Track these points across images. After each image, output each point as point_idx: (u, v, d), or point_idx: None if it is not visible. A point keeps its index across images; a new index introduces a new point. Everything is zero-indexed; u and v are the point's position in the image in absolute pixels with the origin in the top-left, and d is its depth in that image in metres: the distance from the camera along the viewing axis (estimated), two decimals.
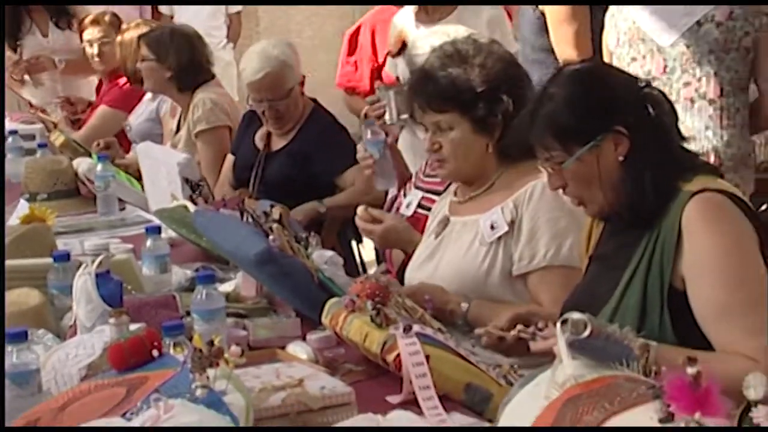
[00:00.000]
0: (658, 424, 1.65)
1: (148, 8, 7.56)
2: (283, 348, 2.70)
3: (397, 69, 4.58)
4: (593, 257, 2.62)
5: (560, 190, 2.58)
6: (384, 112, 3.96)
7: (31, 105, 6.57)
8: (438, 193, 3.38)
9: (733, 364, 2.18)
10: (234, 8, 8.50)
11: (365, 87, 5.17)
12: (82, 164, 4.69)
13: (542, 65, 4.19)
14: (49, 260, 3.00)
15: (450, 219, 3.10)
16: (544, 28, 4.23)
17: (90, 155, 5.07)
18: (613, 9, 3.77)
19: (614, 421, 1.73)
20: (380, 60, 5.12)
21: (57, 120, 6.20)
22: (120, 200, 4.56)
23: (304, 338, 2.72)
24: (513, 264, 2.92)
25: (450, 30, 3.66)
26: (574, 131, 2.46)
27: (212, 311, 2.64)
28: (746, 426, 1.63)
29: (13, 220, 3.92)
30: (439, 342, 2.43)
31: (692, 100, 3.55)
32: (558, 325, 2.03)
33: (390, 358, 2.41)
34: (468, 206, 3.07)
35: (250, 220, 3.27)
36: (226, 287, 3.13)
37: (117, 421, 1.96)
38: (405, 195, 3.61)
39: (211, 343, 2.00)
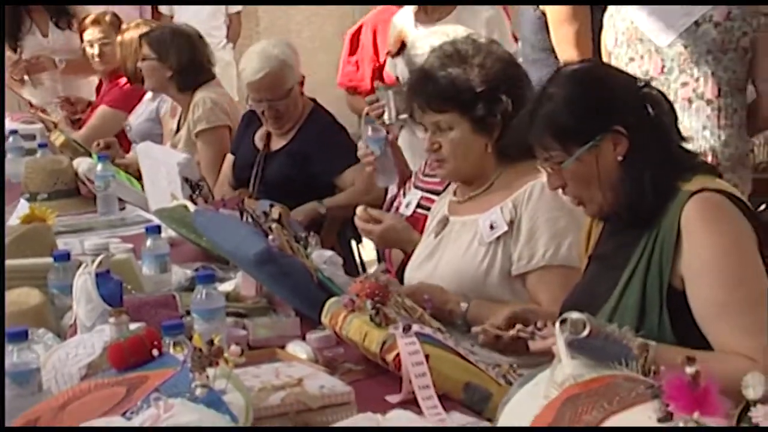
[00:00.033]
0: (657, 424, 1.65)
1: (148, 8, 7.56)
2: (282, 347, 2.70)
3: (396, 69, 4.58)
4: (592, 257, 2.63)
5: (559, 190, 2.58)
6: (383, 112, 3.97)
7: (31, 105, 6.57)
8: (437, 193, 3.38)
9: (731, 364, 2.18)
10: (234, 8, 8.51)
11: (366, 86, 5.17)
12: (82, 164, 4.69)
13: (542, 65, 4.19)
14: (50, 260, 3.00)
15: (449, 219, 3.10)
16: (545, 28, 4.23)
17: (90, 155, 5.08)
18: (611, 9, 3.77)
19: (613, 421, 1.73)
20: (381, 60, 5.12)
21: (57, 120, 6.20)
22: (120, 200, 4.57)
23: (303, 338, 2.72)
24: (512, 264, 2.93)
25: (449, 30, 3.67)
26: (573, 131, 2.46)
27: (212, 311, 2.64)
28: (745, 425, 1.63)
29: (13, 220, 3.93)
30: (439, 341, 2.43)
31: (690, 101, 3.56)
32: (557, 324, 2.03)
33: (389, 357, 2.41)
34: (467, 206, 3.08)
35: (250, 219, 3.28)
36: (226, 287, 3.14)
37: (117, 421, 1.97)
38: (404, 195, 3.61)
39: (210, 342, 2.00)
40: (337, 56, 5.56)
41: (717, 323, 2.30)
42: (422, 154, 3.60)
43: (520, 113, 2.66)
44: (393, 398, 2.34)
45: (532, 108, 2.53)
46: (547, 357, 2.17)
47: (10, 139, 5.56)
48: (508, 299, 2.89)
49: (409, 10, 4.77)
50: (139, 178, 4.87)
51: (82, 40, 6.17)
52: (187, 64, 5.07)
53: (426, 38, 3.73)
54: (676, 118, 2.54)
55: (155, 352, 2.19)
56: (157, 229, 3.33)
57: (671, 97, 3.34)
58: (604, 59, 3.76)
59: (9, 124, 5.91)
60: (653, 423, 1.66)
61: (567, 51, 4.02)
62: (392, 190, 3.87)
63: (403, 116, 3.72)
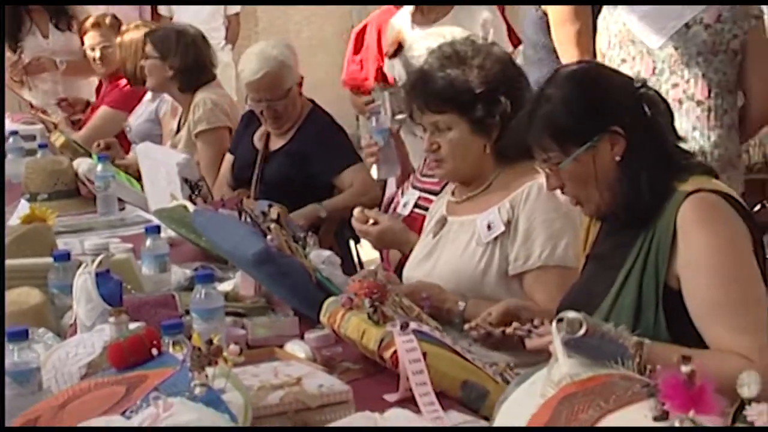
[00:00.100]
0: (653, 423, 1.66)
1: (148, 10, 7.57)
2: (281, 347, 2.71)
3: (393, 70, 4.59)
4: (590, 256, 2.63)
5: (557, 191, 2.59)
6: (380, 112, 3.98)
7: (31, 106, 6.58)
8: (435, 193, 3.39)
9: (727, 363, 2.18)
10: (232, 9, 8.51)
11: (370, 85, 5.18)
12: (82, 164, 4.70)
13: (544, 65, 4.19)
14: (50, 260, 3.01)
15: (447, 219, 3.11)
16: (546, 28, 4.23)
17: (90, 156, 5.08)
18: (605, 11, 3.79)
19: (609, 419, 1.74)
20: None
21: (57, 121, 6.21)
22: (120, 200, 4.57)
23: (302, 337, 2.73)
24: (509, 264, 2.93)
25: (445, 31, 3.68)
26: (571, 132, 2.47)
27: (211, 310, 2.65)
28: (740, 424, 1.64)
29: (13, 220, 3.93)
30: (436, 339, 2.44)
31: (680, 102, 3.57)
32: (554, 323, 2.04)
33: (387, 354, 2.42)
34: (465, 206, 3.09)
35: (249, 219, 3.28)
36: (225, 286, 3.14)
37: (117, 420, 1.97)
38: (402, 194, 3.62)
39: (209, 341, 2.01)
40: (335, 57, 5.59)
41: (712, 322, 2.31)
42: (421, 155, 3.61)
43: (518, 114, 2.66)
44: (391, 397, 2.35)
45: (530, 109, 2.54)
46: (543, 355, 2.18)
47: (11, 139, 5.56)
48: (505, 299, 2.90)
49: (406, 12, 4.78)
50: (138, 178, 4.88)
51: (82, 42, 6.18)
52: (191, 65, 5.08)
53: (422, 40, 3.74)
54: (672, 119, 2.55)
55: (155, 351, 2.20)
56: (157, 229, 3.34)
57: None
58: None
59: (9, 125, 5.92)
60: (649, 421, 1.67)
61: (568, 51, 4.02)
62: (390, 189, 3.88)
63: (400, 117, 3.73)
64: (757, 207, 4.01)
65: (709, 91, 3.59)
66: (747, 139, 3.82)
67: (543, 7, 4.31)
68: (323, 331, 2.68)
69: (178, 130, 5.24)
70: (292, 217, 3.81)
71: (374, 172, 4.66)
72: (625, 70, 3.57)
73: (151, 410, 1.90)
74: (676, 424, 1.60)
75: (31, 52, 6.62)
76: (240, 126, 4.86)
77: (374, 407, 2.12)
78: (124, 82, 5.91)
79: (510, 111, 2.94)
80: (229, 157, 4.84)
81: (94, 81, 6.67)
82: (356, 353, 2.61)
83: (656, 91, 2.56)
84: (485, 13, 4.70)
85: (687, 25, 3.58)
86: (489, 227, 2.96)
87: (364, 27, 5.48)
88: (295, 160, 4.50)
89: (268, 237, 3.02)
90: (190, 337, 2.18)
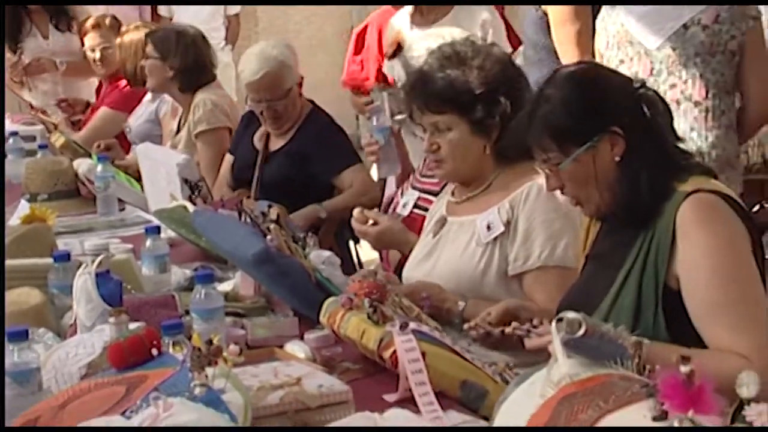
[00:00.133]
0: (652, 423, 1.67)
1: (148, 10, 7.57)
2: (281, 347, 2.71)
3: (392, 71, 4.59)
4: (589, 256, 2.64)
5: (557, 192, 2.60)
6: (381, 111, 3.99)
7: (31, 106, 6.58)
8: (434, 194, 3.40)
9: (726, 363, 2.18)
10: (232, 10, 8.52)
11: (371, 86, 5.19)
12: (82, 165, 4.70)
13: (544, 65, 4.20)
14: (50, 260, 3.02)
15: (447, 219, 3.11)
16: (547, 28, 4.24)
17: (90, 156, 5.09)
18: (603, 12, 3.79)
19: (609, 419, 1.74)
20: None
21: (57, 121, 6.22)
22: (120, 201, 4.58)
23: (301, 337, 2.73)
24: (509, 264, 2.94)
25: (445, 32, 3.68)
26: (570, 132, 2.47)
27: (211, 310, 2.65)
28: (739, 424, 1.64)
29: (13, 221, 3.94)
30: (435, 339, 2.45)
31: (678, 102, 3.57)
32: (553, 324, 2.05)
33: (386, 354, 2.42)
34: (465, 206, 3.09)
35: (249, 220, 3.29)
36: (225, 287, 3.15)
37: (117, 420, 1.97)
38: (402, 195, 3.62)
39: (209, 342, 2.01)
40: (335, 57, 5.60)
41: (711, 322, 2.31)
42: (420, 156, 3.61)
43: (518, 115, 2.67)
44: (390, 397, 2.35)
45: (530, 109, 2.54)
46: (542, 355, 2.18)
47: (11, 140, 5.57)
48: (505, 299, 2.90)
49: (406, 12, 4.78)
50: (138, 178, 4.88)
51: (82, 43, 6.18)
52: (192, 66, 5.09)
53: (422, 40, 3.75)
54: (671, 119, 2.55)
55: (155, 351, 2.20)
56: (157, 230, 3.34)
57: None
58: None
59: (10, 126, 5.92)
60: (648, 421, 1.67)
61: (568, 51, 4.02)
62: (390, 189, 3.88)
63: (398, 118, 3.74)
64: (756, 207, 4.02)
65: (707, 92, 3.60)
66: (745, 140, 3.83)
67: (543, 7, 4.32)
68: (323, 332, 2.68)
69: (178, 130, 5.25)
70: (292, 218, 3.81)
71: (374, 172, 4.67)
72: (623, 70, 3.57)
73: (151, 410, 1.91)
74: (675, 424, 1.61)
75: (31, 53, 6.63)
76: (240, 126, 4.86)
77: (374, 407, 2.12)
78: (124, 83, 5.92)
79: (510, 111, 2.94)
80: (228, 158, 4.84)
81: (94, 82, 6.67)
82: (356, 353, 2.61)
83: (655, 92, 2.57)
84: (484, 13, 4.71)
85: (685, 26, 3.59)
86: (489, 227, 2.96)
87: (365, 27, 5.48)
88: (295, 161, 4.50)
89: (268, 237, 3.02)
90: (190, 338, 2.18)
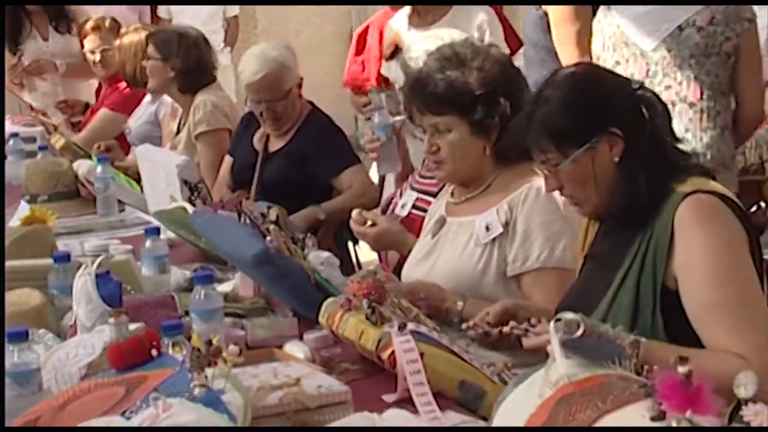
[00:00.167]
0: (650, 423, 1.67)
1: (147, 13, 7.58)
2: (280, 347, 2.71)
3: (390, 72, 4.60)
4: (588, 257, 2.64)
5: (555, 193, 2.60)
6: (382, 108, 3.98)
7: (31, 108, 6.59)
8: (433, 195, 3.40)
9: (723, 363, 2.19)
10: (231, 12, 8.53)
11: (377, 86, 5.20)
12: (82, 166, 4.71)
13: (544, 65, 4.21)
14: (50, 261, 3.02)
15: (446, 219, 3.12)
16: (547, 28, 4.24)
17: (90, 157, 5.10)
18: (599, 14, 3.81)
19: (607, 420, 1.75)
20: None
21: (57, 123, 6.23)
22: (119, 202, 4.58)
23: (301, 338, 2.74)
24: (507, 265, 2.94)
25: (443, 34, 3.68)
26: (569, 133, 2.47)
27: (210, 311, 2.65)
28: (737, 424, 1.65)
29: (14, 222, 3.94)
30: (434, 339, 2.45)
31: (673, 103, 3.58)
32: (552, 324, 2.05)
33: (385, 355, 2.43)
34: (464, 207, 3.09)
35: (248, 221, 3.29)
36: (225, 287, 3.15)
37: (116, 420, 1.98)
38: (401, 195, 3.63)
39: (209, 342, 2.01)
40: (334, 58, 5.61)
41: (709, 322, 2.32)
42: (420, 157, 3.62)
43: (517, 116, 2.67)
44: (389, 397, 2.36)
45: (529, 111, 2.55)
46: (540, 356, 2.18)
47: (11, 141, 5.58)
48: (503, 300, 2.91)
49: (404, 14, 4.79)
50: (138, 180, 4.89)
51: (82, 45, 6.19)
52: (193, 67, 5.10)
53: (421, 42, 3.75)
54: (670, 120, 2.56)
55: (154, 352, 2.20)
56: (156, 231, 3.35)
57: None
58: None
59: (10, 127, 5.93)
60: (646, 422, 1.68)
61: (568, 51, 4.02)
62: (389, 189, 3.88)
63: (396, 119, 3.74)
64: (754, 208, 4.02)
65: (702, 93, 3.61)
66: (741, 142, 3.84)
67: (543, 6, 4.32)
68: (322, 332, 2.69)
69: (178, 131, 5.25)
70: (291, 220, 3.82)
71: (374, 171, 4.67)
72: (619, 72, 3.57)
73: (150, 411, 1.91)
74: (673, 424, 1.61)
75: (31, 55, 6.64)
76: (239, 128, 4.87)
77: (373, 408, 2.12)
78: (123, 84, 5.93)
79: (509, 112, 2.95)
80: (228, 159, 4.85)
81: (94, 83, 6.68)
82: (355, 354, 2.62)
83: (653, 93, 2.57)
84: (481, 14, 4.72)
85: (680, 28, 3.60)
86: (487, 228, 2.97)
87: (366, 28, 5.49)
88: (294, 161, 4.51)
89: (268, 238, 3.03)
90: (189, 338, 2.18)
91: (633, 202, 2.45)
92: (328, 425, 2.12)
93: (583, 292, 2.57)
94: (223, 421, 1.92)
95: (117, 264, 3.06)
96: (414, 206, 3.50)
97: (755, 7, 3.79)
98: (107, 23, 6.12)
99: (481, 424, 2.18)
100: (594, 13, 3.91)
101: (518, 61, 4.80)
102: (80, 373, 2.39)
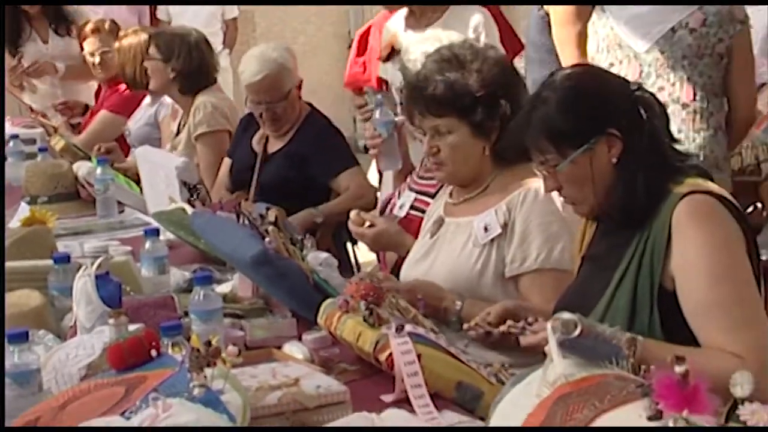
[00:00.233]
0: (647, 422, 1.67)
1: (147, 15, 7.59)
2: (279, 348, 2.72)
3: (387, 73, 4.61)
4: (585, 257, 2.64)
5: (553, 194, 2.61)
6: (371, 116, 4.00)
7: (31, 110, 6.59)
8: (430, 195, 3.40)
9: (720, 362, 2.19)
10: (230, 14, 8.54)
11: (373, 87, 5.20)
12: (81, 168, 4.72)
13: (545, 65, 4.21)
14: (50, 262, 3.03)
15: (444, 220, 3.12)
16: (548, 28, 4.25)
17: (90, 159, 5.10)
18: (594, 17, 3.82)
19: (604, 419, 1.75)
20: None
21: (57, 124, 6.24)
22: (119, 203, 4.59)
23: (299, 338, 2.74)
24: (505, 266, 2.95)
25: (442, 35, 3.69)
26: (567, 134, 2.48)
27: (210, 312, 2.66)
28: (733, 423, 1.65)
29: (14, 223, 3.95)
30: (431, 341, 2.45)
31: (666, 105, 3.58)
32: (549, 324, 2.06)
33: (382, 356, 2.43)
34: (462, 208, 3.10)
35: (247, 222, 3.29)
36: (224, 288, 3.16)
37: (116, 420, 1.98)
38: (399, 196, 3.63)
39: (208, 343, 2.02)
40: (332, 60, 5.61)
41: (706, 322, 2.32)
42: (417, 158, 3.62)
43: (516, 117, 2.68)
44: (388, 397, 2.36)
45: (528, 112, 2.55)
46: (537, 353, 2.19)
47: (11, 143, 5.59)
48: (502, 300, 2.91)
49: (401, 15, 4.80)
50: (138, 181, 4.89)
51: (81, 48, 6.20)
52: (194, 69, 5.11)
53: (419, 44, 3.76)
54: (667, 121, 2.56)
55: (154, 352, 2.21)
56: (156, 232, 3.35)
57: None
58: None
59: (10, 129, 5.94)
60: (643, 421, 1.68)
61: (569, 51, 4.03)
62: (387, 189, 3.88)
63: (398, 116, 3.74)
64: (750, 209, 4.03)
65: (695, 94, 3.62)
66: (735, 143, 3.84)
67: (545, 7, 4.33)
68: (320, 333, 2.69)
69: (178, 132, 5.26)
70: (289, 221, 3.82)
71: (374, 170, 4.68)
72: None
73: (150, 411, 1.91)
74: (670, 424, 1.61)
75: (31, 57, 6.64)
76: (238, 129, 4.88)
77: (371, 408, 2.13)
78: (123, 86, 5.93)
79: (510, 113, 2.95)
80: (227, 161, 4.85)
81: (93, 85, 6.69)
82: (353, 354, 2.62)
83: (651, 94, 2.58)
84: (477, 16, 4.72)
85: (673, 30, 3.61)
86: (486, 229, 2.97)
87: (368, 29, 5.49)
88: (293, 162, 4.52)
89: (266, 239, 3.03)
90: (188, 339, 2.19)
91: (631, 202, 2.45)
92: (327, 425, 2.12)
93: (580, 292, 2.57)
94: (222, 421, 1.92)
95: (117, 265, 3.07)
96: (412, 207, 3.50)
97: (755, 8, 3.81)
98: (106, 26, 6.12)
99: (479, 424, 2.19)
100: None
101: (519, 63, 4.82)
102: (80, 373, 2.39)
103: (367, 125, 3.78)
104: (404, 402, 2.29)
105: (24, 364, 2.30)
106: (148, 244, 3.28)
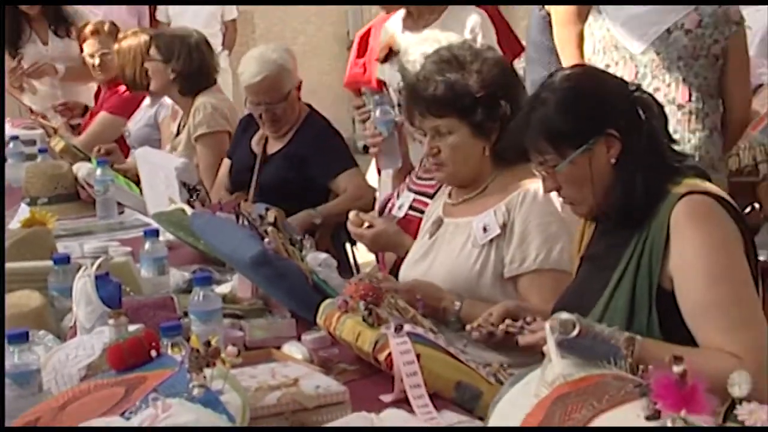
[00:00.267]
0: (645, 422, 1.68)
1: (147, 16, 7.59)
2: (278, 348, 2.72)
3: (384, 74, 4.61)
4: (584, 257, 2.65)
5: (552, 195, 2.61)
6: (369, 116, 4.00)
7: (31, 111, 6.60)
8: (429, 196, 3.41)
9: (718, 362, 2.19)
10: (230, 15, 8.54)
11: (373, 88, 5.20)
12: (81, 169, 4.72)
13: (545, 65, 4.21)
14: (50, 263, 3.03)
15: (444, 220, 3.13)
16: (549, 28, 4.25)
17: (89, 160, 5.11)
18: (590, 18, 3.83)
19: (602, 419, 1.75)
20: None
21: (57, 126, 6.24)
22: (119, 204, 4.59)
23: (299, 338, 2.75)
24: (504, 266, 2.95)
25: (440, 36, 3.69)
26: (566, 135, 2.48)
27: (209, 312, 2.66)
28: (731, 423, 1.65)
29: (14, 224, 3.95)
30: (430, 341, 2.45)
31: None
32: (547, 324, 2.06)
33: (381, 356, 2.43)
34: (461, 208, 3.10)
35: (246, 223, 3.30)
36: (223, 289, 3.16)
37: (116, 420, 1.98)
38: (398, 197, 3.64)
39: (207, 343, 2.02)
40: (331, 62, 5.61)
41: (704, 322, 2.32)
42: (417, 158, 3.62)
43: (515, 118, 2.68)
44: (387, 397, 2.36)
45: (527, 112, 2.56)
46: (536, 353, 2.20)
47: (11, 144, 5.59)
48: (501, 301, 2.91)
49: (399, 16, 4.80)
50: (137, 182, 4.89)
51: (81, 49, 6.20)
52: (195, 70, 5.11)
53: (418, 45, 3.76)
54: (666, 122, 2.57)
55: (153, 353, 2.21)
56: (156, 233, 3.35)
57: None
58: None
59: (10, 130, 5.94)
60: (641, 421, 1.68)
61: (569, 52, 4.03)
62: (386, 190, 3.88)
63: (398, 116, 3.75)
64: (748, 209, 4.04)
65: (690, 95, 3.63)
66: (730, 144, 3.85)
67: (547, 7, 4.33)
68: (320, 333, 2.70)
69: (178, 133, 5.26)
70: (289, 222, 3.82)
71: (374, 169, 4.68)
72: None
73: (150, 411, 1.92)
74: (668, 424, 1.61)
75: (31, 59, 6.64)
76: (238, 130, 4.88)
77: (370, 408, 2.13)
78: (123, 88, 5.94)
79: (509, 114, 2.95)
80: (226, 162, 4.86)
81: (93, 86, 6.69)
82: (352, 354, 2.62)
83: (650, 94, 2.59)
84: (474, 17, 4.72)
85: (668, 31, 3.62)
86: (485, 229, 2.97)
87: (369, 30, 5.49)
88: (293, 163, 4.52)
89: (266, 240, 3.03)
90: (188, 339, 2.19)
91: (629, 203, 2.46)
92: (326, 425, 2.12)
93: (579, 292, 2.57)
94: (221, 421, 1.93)
95: (116, 266, 3.07)
96: (411, 207, 3.51)
97: (753, 8, 3.81)
98: (106, 27, 6.12)
99: (478, 423, 2.19)
100: None
101: (519, 64, 4.83)
102: (80, 374, 2.39)
103: (367, 124, 3.79)
104: (403, 402, 2.29)
105: (24, 365, 2.30)
106: (147, 245, 3.28)
